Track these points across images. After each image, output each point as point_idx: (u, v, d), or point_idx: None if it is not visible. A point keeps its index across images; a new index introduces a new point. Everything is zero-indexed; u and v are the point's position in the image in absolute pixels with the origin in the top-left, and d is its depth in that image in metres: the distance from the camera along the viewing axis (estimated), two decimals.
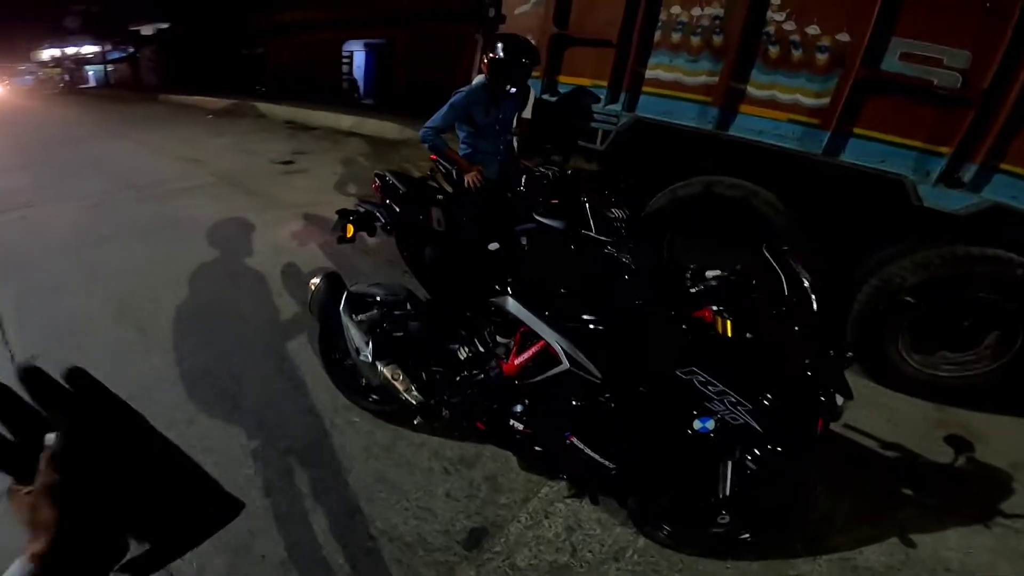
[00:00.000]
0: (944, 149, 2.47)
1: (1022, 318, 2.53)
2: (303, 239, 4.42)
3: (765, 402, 1.44)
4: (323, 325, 2.23)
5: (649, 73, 3.18)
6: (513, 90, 2.88)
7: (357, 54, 15.18)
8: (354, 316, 2.08)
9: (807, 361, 1.44)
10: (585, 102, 3.46)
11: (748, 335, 1.49)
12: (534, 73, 3.54)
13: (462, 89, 2.87)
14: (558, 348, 1.64)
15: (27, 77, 22.94)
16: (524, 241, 2.20)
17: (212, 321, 3.13)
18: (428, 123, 2.88)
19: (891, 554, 1.95)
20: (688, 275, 1.65)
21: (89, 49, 23.72)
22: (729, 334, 1.46)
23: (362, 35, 14.02)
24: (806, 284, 1.49)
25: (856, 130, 2.64)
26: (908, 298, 2.71)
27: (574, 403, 1.74)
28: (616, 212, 2.11)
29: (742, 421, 1.46)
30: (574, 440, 1.75)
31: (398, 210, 2.13)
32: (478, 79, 2.98)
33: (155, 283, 3.53)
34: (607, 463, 1.74)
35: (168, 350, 2.84)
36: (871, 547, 1.97)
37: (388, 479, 2.10)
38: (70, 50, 24.33)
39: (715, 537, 1.80)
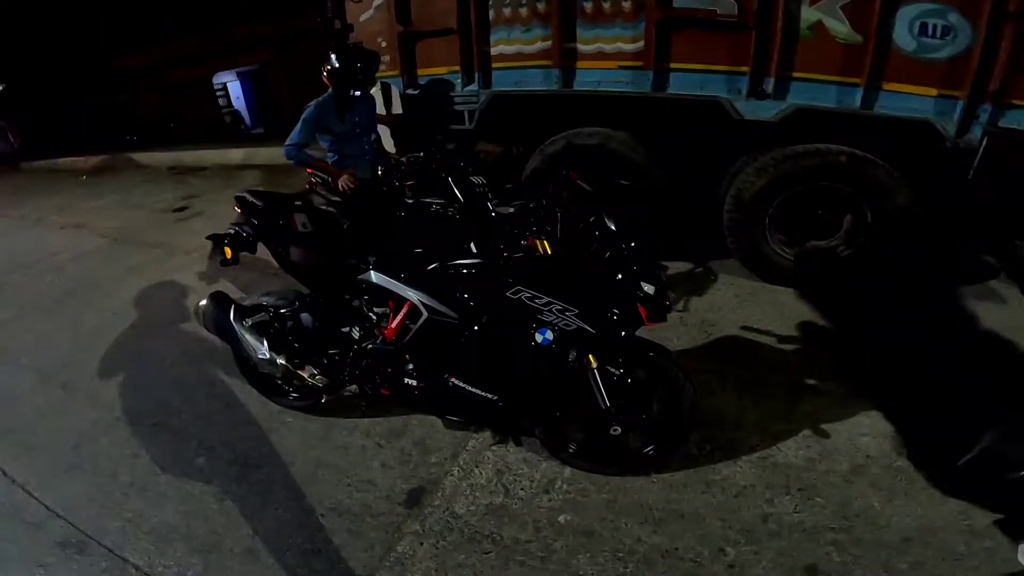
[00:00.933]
0: (744, 69, 2.87)
1: (862, 198, 2.94)
2: (213, 278, 4.41)
3: (587, 303, 1.69)
4: (230, 343, 2.37)
5: (493, 50, 3.45)
6: (358, 93, 3.04)
7: (231, 84, 14.62)
8: (245, 322, 2.24)
9: (612, 261, 1.71)
10: (442, 89, 3.67)
11: (565, 250, 1.74)
12: (391, 72, 3.73)
13: (310, 104, 3.01)
14: (417, 302, 1.88)
15: None
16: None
17: (136, 368, 3.18)
18: (287, 141, 2.99)
19: (808, 447, 2.05)
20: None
21: None
22: (548, 252, 1.71)
23: (231, 65, 13.49)
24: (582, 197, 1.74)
25: (673, 65, 3.01)
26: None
27: (444, 347, 1.96)
28: (477, 179, 2.34)
29: (574, 326, 1.71)
30: (455, 381, 1.99)
31: (257, 223, 2.29)
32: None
33: (70, 349, 3.50)
34: (489, 396, 1.97)
35: (99, 401, 2.88)
36: (787, 443, 2.07)
37: (328, 463, 2.27)
38: None
39: (627, 454, 1.99)
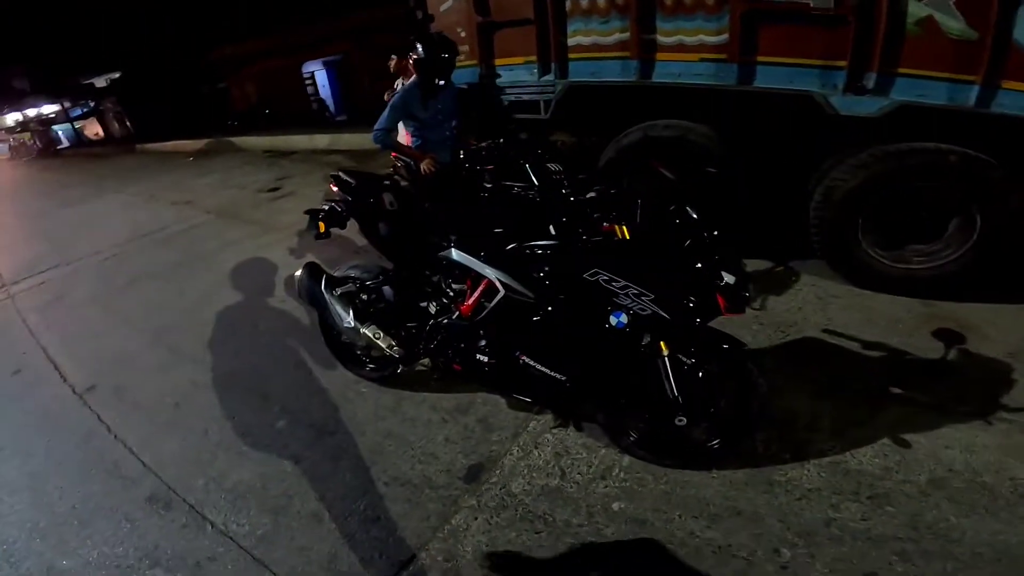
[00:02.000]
0: (842, 63, 2.69)
1: (972, 201, 2.69)
2: (300, 253, 4.77)
3: (664, 289, 1.68)
4: (317, 310, 2.57)
5: (570, 41, 3.44)
6: (442, 82, 3.16)
7: (318, 73, 15.43)
8: (335, 292, 2.43)
9: (692, 249, 1.69)
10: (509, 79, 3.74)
11: (644, 236, 1.74)
12: (469, 62, 3.83)
13: (397, 91, 3.17)
14: (495, 280, 1.94)
15: (1, 145, 22.90)
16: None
17: (232, 335, 3.52)
18: (376, 126, 3.19)
19: (885, 456, 1.95)
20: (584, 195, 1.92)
21: (49, 108, 23.48)
22: (627, 237, 1.71)
23: (317, 55, 14.26)
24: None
25: (760, 58, 2.88)
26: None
27: (518, 325, 2.02)
28: (553, 166, 2.39)
29: (649, 311, 1.70)
30: (525, 359, 2.04)
31: (351, 200, 2.45)
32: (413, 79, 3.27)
33: (177, 314, 3.94)
34: (558, 376, 2.01)
35: (200, 363, 3.23)
36: (862, 450, 1.98)
37: (395, 434, 2.42)
38: (31, 112, 24.00)
39: (689, 447, 1.97)
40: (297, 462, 2.35)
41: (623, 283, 1.72)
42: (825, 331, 2.71)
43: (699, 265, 1.68)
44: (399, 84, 4.84)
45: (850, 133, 2.86)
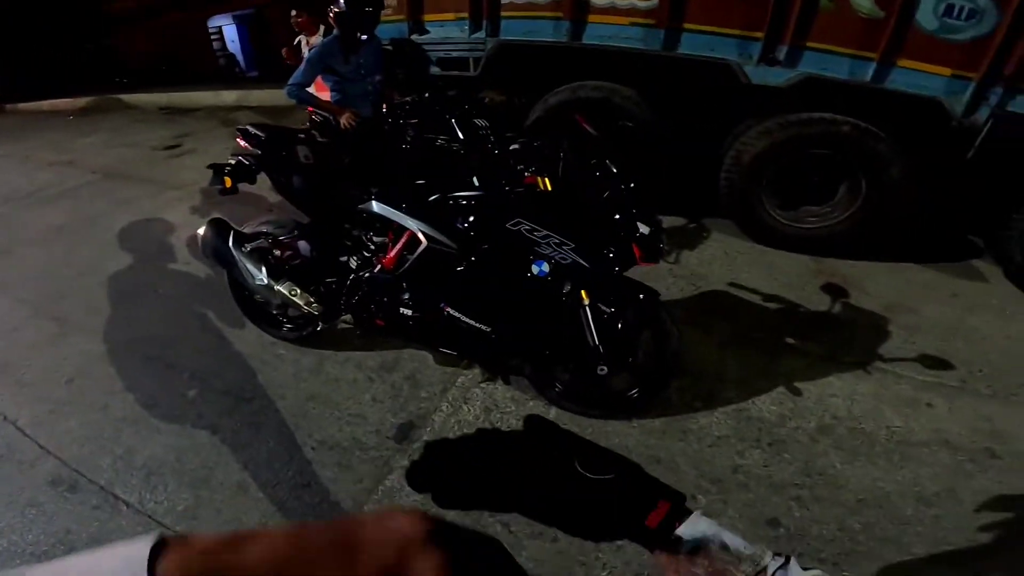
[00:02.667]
0: (759, 35, 2.85)
1: (859, 168, 2.98)
2: (205, 212, 4.37)
3: (584, 238, 1.73)
4: (225, 269, 2.37)
5: None
6: (364, 37, 2.99)
7: (227, 28, 14.15)
8: (244, 248, 2.25)
9: (610, 202, 1.74)
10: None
11: (564, 188, 1.77)
12: (397, 17, 3.64)
13: (316, 45, 2.99)
14: (418, 231, 1.90)
15: None
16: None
17: (129, 301, 3.17)
18: (291, 80, 3.01)
19: (781, 403, 2.12)
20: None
21: None
22: (548, 188, 1.73)
23: (229, 8, 13.06)
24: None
25: (686, 25, 2.97)
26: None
27: (441, 275, 2.00)
28: (480, 122, 2.33)
29: (570, 259, 1.75)
30: (450, 311, 2.02)
31: (260, 153, 2.28)
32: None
33: (62, 281, 3.48)
34: (484, 327, 2.01)
35: (91, 334, 2.87)
36: (762, 398, 2.15)
37: (319, 396, 2.30)
38: None
39: (611, 397, 2.05)
40: (214, 432, 2.18)
41: (544, 232, 1.75)
42: (731, 284, 2.93)
43: (617, 216, 1.72)
44: (301, 40, 4.56)
45: (762, 101, 3.04)
